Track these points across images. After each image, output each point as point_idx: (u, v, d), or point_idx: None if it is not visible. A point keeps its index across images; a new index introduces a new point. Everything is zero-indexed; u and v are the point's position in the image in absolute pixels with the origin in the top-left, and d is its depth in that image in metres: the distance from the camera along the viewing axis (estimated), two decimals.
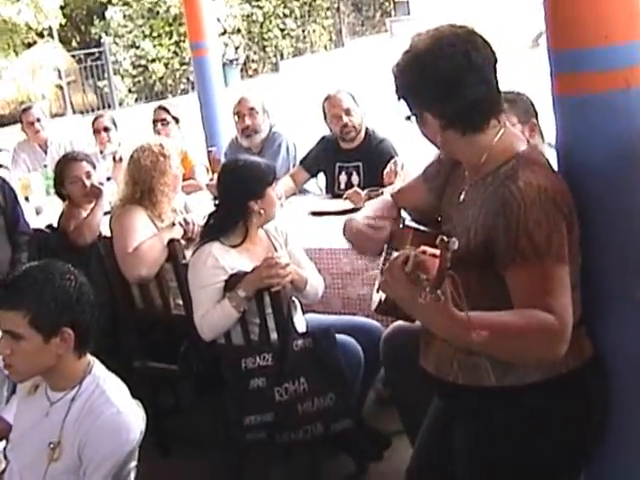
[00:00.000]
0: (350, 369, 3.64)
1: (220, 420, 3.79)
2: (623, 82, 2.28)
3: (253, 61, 22.90)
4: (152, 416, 4.25)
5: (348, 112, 5.23)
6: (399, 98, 2.39)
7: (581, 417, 2.36)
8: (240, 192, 3.72)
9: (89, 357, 2.71)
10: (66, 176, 4.96)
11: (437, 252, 1.95)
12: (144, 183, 4.28)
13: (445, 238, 1.91)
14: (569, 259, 2.18)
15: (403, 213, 2.74)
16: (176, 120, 6.37)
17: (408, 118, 2.39)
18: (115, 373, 2.87)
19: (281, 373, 3.52)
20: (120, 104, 20.03)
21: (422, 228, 2.49)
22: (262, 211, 3.73)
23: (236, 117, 5.79)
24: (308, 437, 3.53)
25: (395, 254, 2.11)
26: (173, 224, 4.28)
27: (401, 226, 2.57)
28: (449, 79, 2.24)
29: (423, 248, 2.06)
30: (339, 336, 3.66)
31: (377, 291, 2.60)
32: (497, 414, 2.36)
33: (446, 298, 1.96)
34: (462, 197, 2.42)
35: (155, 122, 6.38)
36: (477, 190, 2.35)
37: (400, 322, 3.16)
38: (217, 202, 3.85)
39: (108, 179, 5.78)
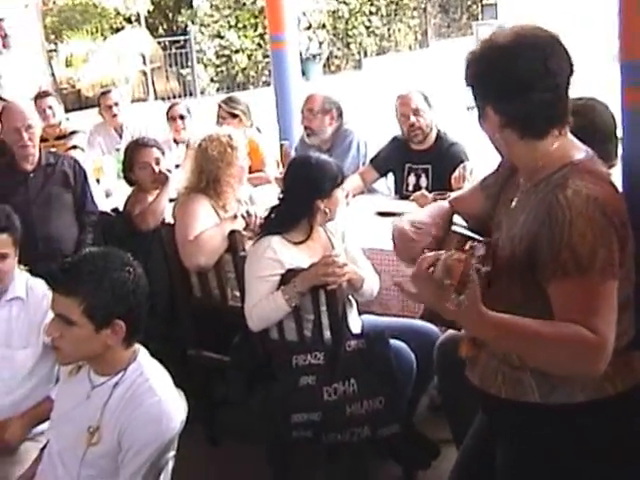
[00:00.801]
0: (402, 374, 3.59)
1: (269, 415, 3.77)
2: None
3: (336, 57, 22.86)
4: (203, 405, 4.33)
5: (417, 112, 5.17)
6: (467, 85, 2.33)
7: (629, 439, 2.29)
8: (309, 190, 3.70)
9: (136, 344, 2.70)
10: (135, 161, 5.01)
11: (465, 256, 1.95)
12: (210, 173, 4.28)
13: (474, 244, 1.89)
14: (621, 275, 2.11)
15: (458, 219, 2.69)
16: (233, 115, 6.37)
17: (470, 108, 2.34)
18: (169, 360, 2.87)
19: (332, 373, 3.50)
20: (202, 93, 20.17)
21: (469, 234, 2.43)
22: (327, 210, 3.71)
23: (301, 115, 5.81)
24: (354, 439, 3.49)
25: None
26: (235, 216, 4.27)
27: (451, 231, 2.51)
28: (521, 80, 2.18)
29: (452, 252, 2.03)
30: (393, 341, 3.62)
31: None
32: (541, 432, 2.30)
33: (471, 302, 1.96)
34: (514, 203, 2.37)
35: (218, 118, 6.45)
36: (528, 197, 2.29)
37: None
38: (281, 196, 3.82)
39: (177, 166, 5.80)
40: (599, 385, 2.20)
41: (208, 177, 4.28)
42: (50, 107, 6.95)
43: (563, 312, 2.07)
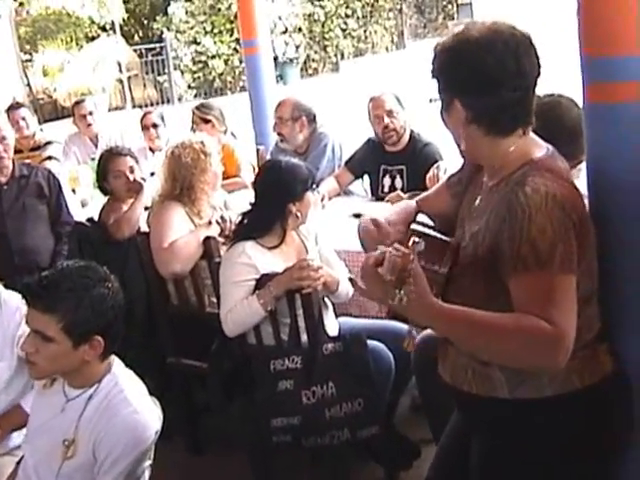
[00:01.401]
0: (380, 375, 3.60)
1: (249, 421, 3.76)
2: None
3: (313, 60, 22.85)
4: (185, 413, 4.32)
5: (390, 114, 5.19)
6: (433, 77, 2.32)
7: (598, 434, 2.29)
8: (280, 193, 3.70)
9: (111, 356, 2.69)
10: (109, 170, 4.98)
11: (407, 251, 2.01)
12: (184, 180, 4.28)
13: (416, 239, 1.92)
14: (582, 270, 2.13)
15: (424, 218, 2.68)
16: (206, 121, 6.35)
17: (433, 100, 2.35)
18: (148, 368, 2.85)
19: (310, 376, 3.49)
20: (179, 99, 20.12)
21: (427, 232, 2.44)
22: (299, 214, 3.71)
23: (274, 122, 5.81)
24: (335, 442, 3.49)
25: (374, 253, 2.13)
26: (210, 222, 4.26)
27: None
28: (492, 76, 2.17)
29: (396, 246, 2.08)
30: (371, 342, 3.62)
31: None
32: (511, 427, 2.32)
33: (416, 295, 2.01)
34: (477, 202, 2.38)
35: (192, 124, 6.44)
36: (491, 196, 2.30)
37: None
38: (252, 202, 3.82)
39: (152, 174, 5.79)
40: (566, 379, 2.21)
41: (182, 184, 4.28)
42: (23, 118, 6.93)
43: (522, 306, 2.08)
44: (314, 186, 3.81)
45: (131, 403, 2.56)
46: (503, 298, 2.15)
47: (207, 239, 4.09)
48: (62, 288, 2.51)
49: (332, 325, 3.81)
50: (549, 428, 2.25)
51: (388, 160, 5.31)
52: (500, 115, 2.22)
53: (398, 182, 5.24)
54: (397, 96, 5.29)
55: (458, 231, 2.42)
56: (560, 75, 3.17)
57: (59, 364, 2.57)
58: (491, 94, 2.19)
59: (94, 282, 2.56)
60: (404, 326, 3.67)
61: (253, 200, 3.84)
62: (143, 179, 5.03)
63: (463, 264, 2.30)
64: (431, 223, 2.59)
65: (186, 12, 20.75)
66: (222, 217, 4.29)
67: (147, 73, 20.40)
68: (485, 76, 2.18)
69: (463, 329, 2.13)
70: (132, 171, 4.99)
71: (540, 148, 2.29)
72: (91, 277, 2.57)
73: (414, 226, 2.46)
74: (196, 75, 20.85)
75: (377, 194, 5.36)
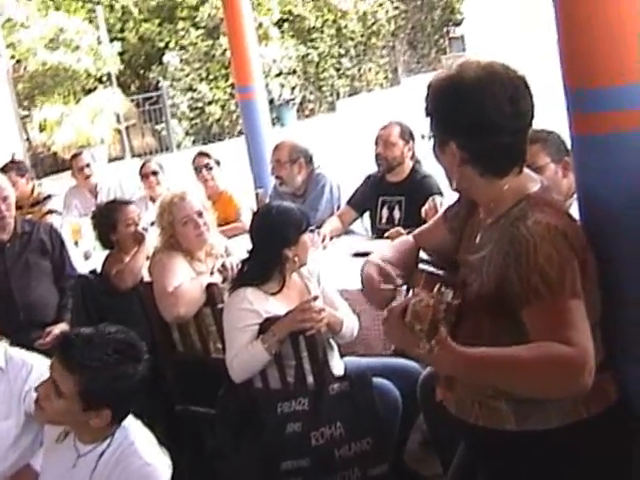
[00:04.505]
0: (388, 413, 3.60)
1: (259, 464, 3.76)
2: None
3: (309, 101, 22.97)
4: (195, 459, 4.31)
5: (386, 143, 5.26)
6: (427, 115, 2.33)
7: (604, 462, 2.29)
8: (275, 240, 3.71)
9: None
10: (120, 220, 4.96)
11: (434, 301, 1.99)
12: (165, 231, 4.34)
13: (442, 289, 1.93)
14: (585, 301, 2.13)
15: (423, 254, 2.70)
16: (217, 163, 6.42)
17: (425, 137, 2.35)
18: (157, 416, 2.85)
19: (317, 417, 3.50)
20: (178, 147, 20.22)
21: (435, 271, 2.45)
22: (296, 258, 3.72)
23: (271, 165, 5.86)
24: None
25: (394, 303, 2.13)
26: (212, 272, 4.28)
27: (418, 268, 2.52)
28: (490, 120, 2.19)
29: (421, 297, 2.05)
30: (376, 379, 3.63)
31: None
32: (518, 458, 2.32)
33: (443, 346, 1.99)
34: (477, 240, 2.39)
35: (197, 169, 6.45)
36: (491, 233, 2.31)
37: None
38: (250, 249, 3.84)
39: (152, 224, 5.81)
40: (573, 409, 2.22)
41: (166, 234, 4.33)
42: (20, 176, 6.91)
43: (540, 334, 2.07)
44: (310, 228, 3.82)
45: (142, 456, 2.57)
46: (507, 337, 2.15)
47: (210, 286, 4.09)
48: (93, 355, 2.53)
49: (338, 365, 3.81)
50: (555, 458, 2.26)
51: (387, 191, 5.35)
52: (497, 157, 2.24)
53: (396, 213, 5.26)
54: (406, 128, 5.35)
55: (462, 269, 2.43)
56: (550, 106, 3.19)
57: (65, 419, 2.60)
58: (488, 137, 2.21)
59: (127, 359, 2.58)
60: (410, 363, 3.73)
61: (250, 247, 3.85)
62: (145, 229, 5.05)
63: (469, 302, 2.30)
64: (426, 257, 2.60)
65: (181, 60, 20.88)
66: (223, 265, 4.29)
67: (145, 122, 20.50)
68: (483, 120, 2.19)
69: (491, 372, 2.11)
70: (140, 219, 5.02)
71: (534, 182, 2.31)
72: (126, 354, 2.59)
73: (422, 266, 2.47)
74: (193, 122, 20.94)
75: (376, 226, 5.41)
